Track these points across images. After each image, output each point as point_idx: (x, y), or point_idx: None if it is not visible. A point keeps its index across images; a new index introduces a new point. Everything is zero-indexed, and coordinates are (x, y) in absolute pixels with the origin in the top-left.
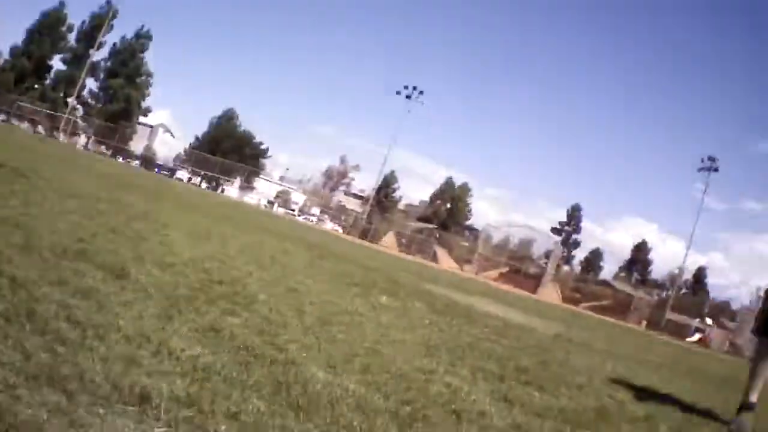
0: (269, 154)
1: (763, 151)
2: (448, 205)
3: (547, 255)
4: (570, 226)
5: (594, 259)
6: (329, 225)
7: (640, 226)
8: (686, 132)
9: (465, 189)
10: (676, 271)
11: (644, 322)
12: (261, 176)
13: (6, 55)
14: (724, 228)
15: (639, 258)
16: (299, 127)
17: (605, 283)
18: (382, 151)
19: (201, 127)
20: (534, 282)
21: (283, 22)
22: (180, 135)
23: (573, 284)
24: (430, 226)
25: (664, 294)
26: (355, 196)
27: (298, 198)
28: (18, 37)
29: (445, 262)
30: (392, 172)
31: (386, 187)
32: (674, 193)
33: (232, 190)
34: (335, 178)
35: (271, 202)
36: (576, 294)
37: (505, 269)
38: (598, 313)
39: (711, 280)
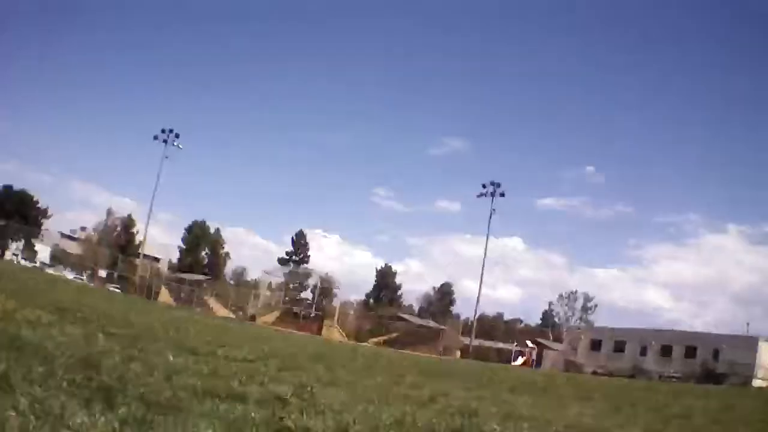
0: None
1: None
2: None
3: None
4: (297, 255)
5: (328, 284)
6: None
7: (319, 237)
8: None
9: (219, 234)
10: (432, 293)
11: (458, 353)
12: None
13: None
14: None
15: (387, 283)
16: None
17: (397, 317)
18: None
19: None
20: (314, 322)
21: None
22: None
23: (355, 319)
24: (199, 277)
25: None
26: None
27: (42, 249)
28: None
29: (219, 310)
30: (129, 216)
31: (126, 232)
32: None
33: None
34: (108, 231)
35: (15, 255)
36: (359, 328)
37: (278, 312)
38: (397, 347)
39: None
